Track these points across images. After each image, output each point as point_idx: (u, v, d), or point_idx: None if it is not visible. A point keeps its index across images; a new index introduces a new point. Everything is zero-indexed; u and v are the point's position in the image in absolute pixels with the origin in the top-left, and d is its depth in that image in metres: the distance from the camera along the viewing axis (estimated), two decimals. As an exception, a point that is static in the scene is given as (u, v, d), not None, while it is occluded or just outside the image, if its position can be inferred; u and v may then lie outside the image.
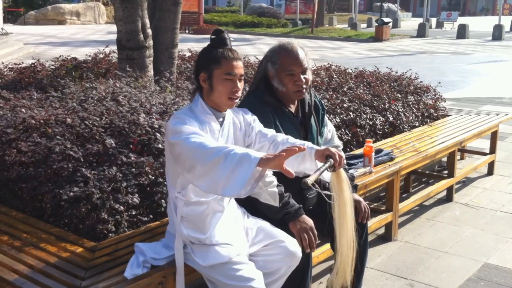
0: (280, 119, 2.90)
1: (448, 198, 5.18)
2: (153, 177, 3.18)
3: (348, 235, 2.53)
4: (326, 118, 3.22)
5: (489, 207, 5.00)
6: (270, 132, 2.67)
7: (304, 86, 2.91)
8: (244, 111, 2.70)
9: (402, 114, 5.52)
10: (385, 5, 43.93)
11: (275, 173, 2.72)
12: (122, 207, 2.96)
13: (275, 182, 2.74)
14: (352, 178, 3.21)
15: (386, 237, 4.28)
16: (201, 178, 2.22)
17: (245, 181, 2.11)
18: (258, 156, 2.12)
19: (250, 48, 19.82)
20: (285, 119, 2.92)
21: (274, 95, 2.94)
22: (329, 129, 3.26)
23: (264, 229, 2.67)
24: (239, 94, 2.52)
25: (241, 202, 2.76)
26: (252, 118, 2.69)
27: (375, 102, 5.40)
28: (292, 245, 2.63)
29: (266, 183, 2.68)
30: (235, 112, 2.66)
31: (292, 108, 3.00)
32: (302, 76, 2.89)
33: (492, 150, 6.00)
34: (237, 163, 2.12)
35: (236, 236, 2.57)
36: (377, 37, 27.64)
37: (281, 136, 2.64)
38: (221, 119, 2.55)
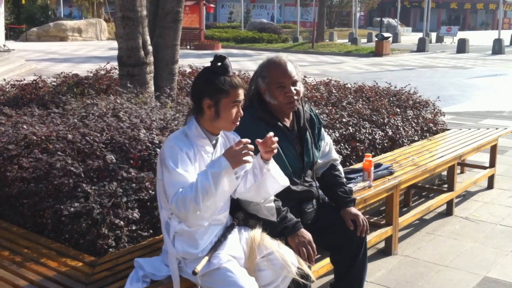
0: (275, 134, 2.89)
1: (448, 212, 5.18)
2: (153, 192, 3.20)
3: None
4: (323, 131, 3.24)
5: (489, 220, 5.00)
6: None
7: (295, 97, 2.93)
8: (233, 134, 2.74)
9: (401, 129, 5.54)
10: (385, 20, 44.19)
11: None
12: (122, 222, 2.98)
13: (272, 197, 2.76)
14: (350, 192, 3.22)
15: (386, 251, 4.28)
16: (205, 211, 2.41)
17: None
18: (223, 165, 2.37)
19: (251, 64, 19.89)
20: (280, 134, 2.91)
21: (268, 111, 2.97)
22: (327, 142, 3.26)
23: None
24: None
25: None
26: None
27: (374, 117, 5.42)
28: (287, 256, 2.61)
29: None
30: (225, 133, 2.71)
31: (287, 123, 3.02)
32: (292, 88, 2.92)
33: (492, 164, 6.01)
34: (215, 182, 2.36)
35: (231, 247, 2.57)
36: (377, 52, 27.76)
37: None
38: (214, 142, 2.62)
